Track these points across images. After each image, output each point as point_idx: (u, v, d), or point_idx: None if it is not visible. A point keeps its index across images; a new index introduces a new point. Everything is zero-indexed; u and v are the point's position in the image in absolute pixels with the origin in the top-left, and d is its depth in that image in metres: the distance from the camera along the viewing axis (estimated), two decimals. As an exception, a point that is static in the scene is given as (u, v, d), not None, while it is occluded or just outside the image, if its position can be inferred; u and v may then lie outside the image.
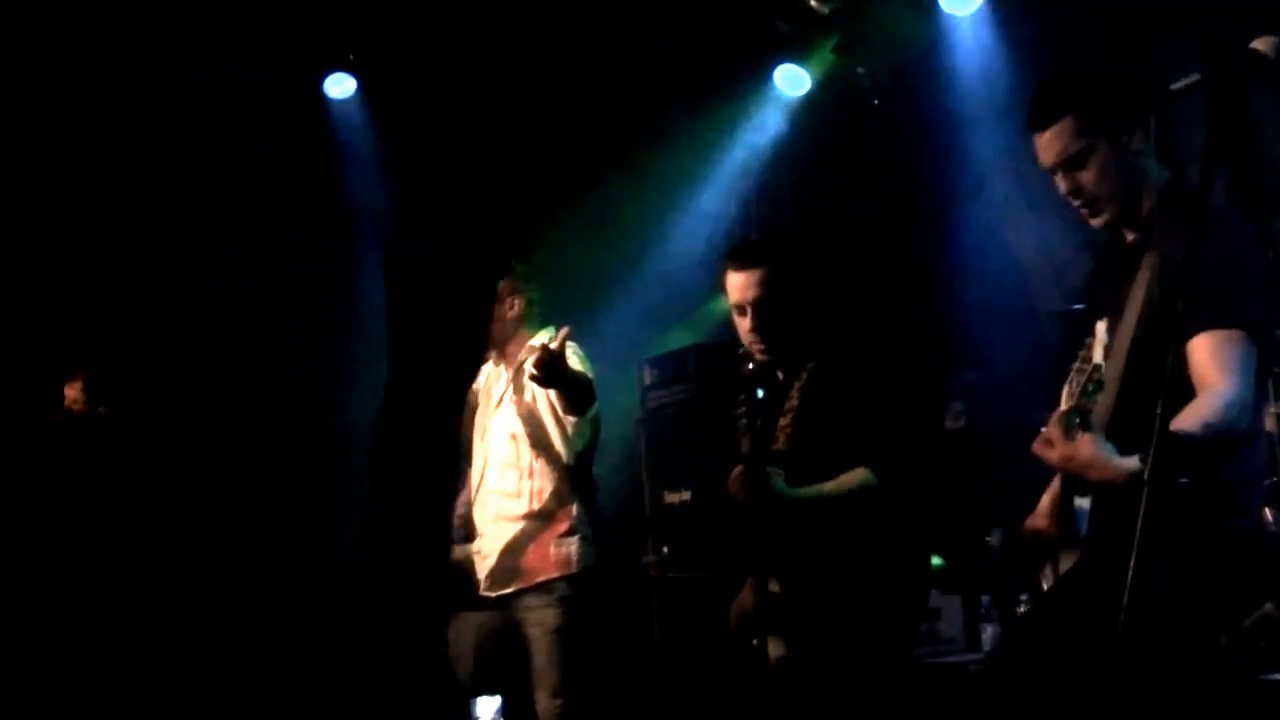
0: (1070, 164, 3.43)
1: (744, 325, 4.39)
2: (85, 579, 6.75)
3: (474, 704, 7.11)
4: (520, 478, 5.59)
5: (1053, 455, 3.15)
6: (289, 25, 7.93)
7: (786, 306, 4.33)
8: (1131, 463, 2.97)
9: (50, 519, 6.75)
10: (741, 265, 4.39)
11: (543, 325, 5.77)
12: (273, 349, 8.31)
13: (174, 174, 8.05)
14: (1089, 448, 3.07)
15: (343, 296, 8.69)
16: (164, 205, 8.05)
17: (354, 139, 8.70)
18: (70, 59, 7.56)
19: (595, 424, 5.66)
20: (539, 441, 5.58)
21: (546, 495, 5.54)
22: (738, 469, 4.15)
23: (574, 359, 5.44)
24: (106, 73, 7.68)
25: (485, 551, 5.60)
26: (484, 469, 5.70)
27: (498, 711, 7.16)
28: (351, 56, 8.41)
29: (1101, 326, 3.15)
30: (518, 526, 5.55)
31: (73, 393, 6.91)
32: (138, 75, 7.76)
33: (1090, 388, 3.07)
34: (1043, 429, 3.14)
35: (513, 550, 5.54)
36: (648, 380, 7.87)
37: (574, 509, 5.58)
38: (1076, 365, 3.13)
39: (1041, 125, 3.46)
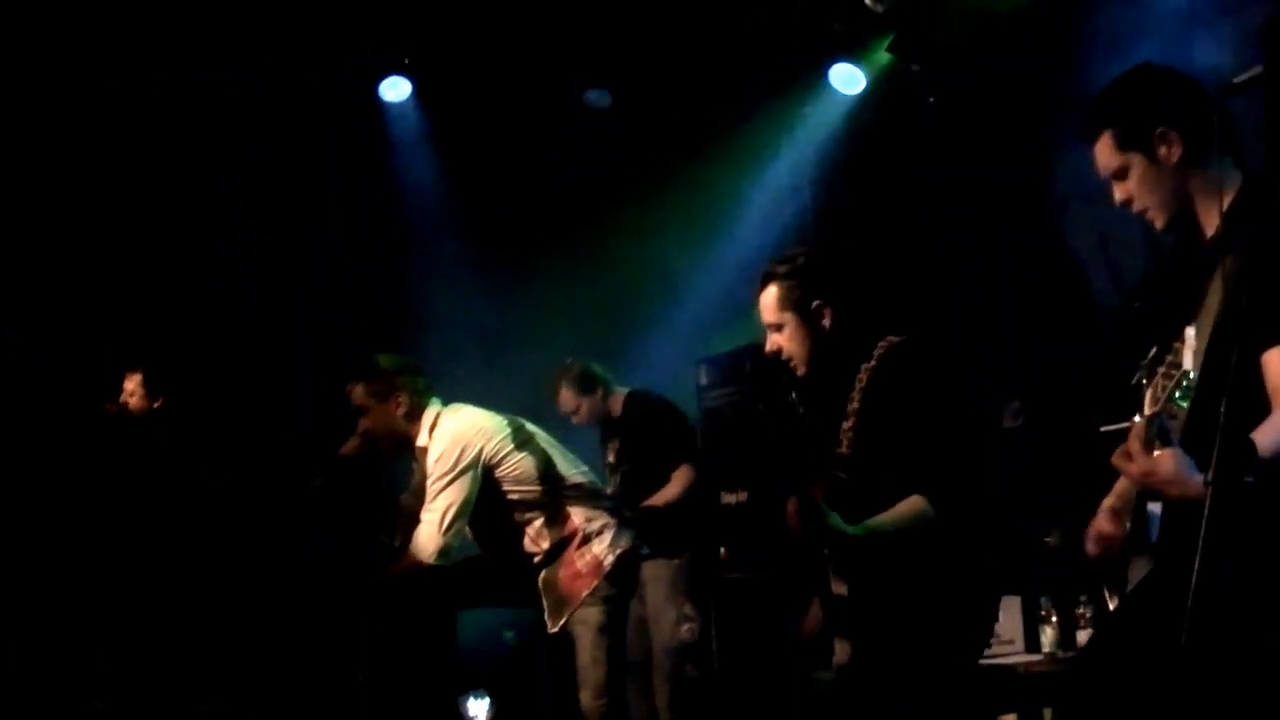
0: (1115, 177, 3.42)
1: (774, 342, 4.35)
2: (115, 573, 6.80)
3: (464, 703, 7.15)
4: (511, 536, 5.65)
5: (1132, 470, 3.06)
6: (344, 29, 7.97)
7: (809, 320, 4.27)
8: None
9: (82, 514, 6.80)
10: (762, 285, 4.36)
11: (429, 400, 5.74)
12: (321, 351, 8.35)
13: (231, 177, 8.11)
14: (1170, 463, 2.99)
15: (395, 297, 8.72)
16: (223, 208, 8.12)
17: (409, 142, 8.75)
18: (130, 66, 7.65)
19: (524, 442, 5.66)
20: (495, 504, 5.60)
21: (543, 530, 5.60)
22: (792, 503, 4.10)
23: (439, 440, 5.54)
24: (160, 77, 7.75)
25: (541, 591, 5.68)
26: (479, 543, 5.78)
27: (489, 711, 7.21)
28: (407, 60, 8.44)
29: (1191, 331, 3.06)
30: (543, 567, 5.61)
31: (131, 385, 6.97)
32: (194, 80, 7.82)
33: (1178, 394, 3.00)
34: (1107, 428, 3.09)
35: (551, 584, 5.61)
36: (704, 380, 7.82)
37: (573, 520, 5.62)
38: (1162, 370, 3.05)
39: (1087, 139, 3.46)
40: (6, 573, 6.69)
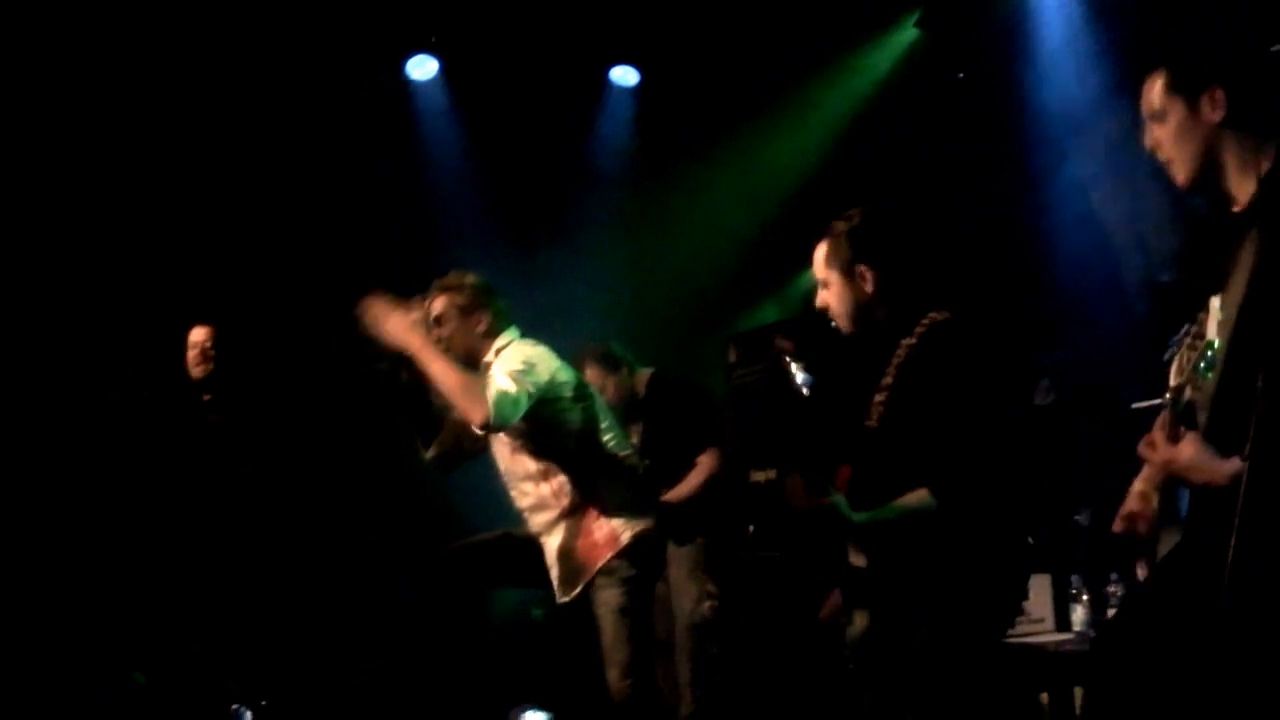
0: (1154, 118, 3.35)
1: (821, 298, 4.36)
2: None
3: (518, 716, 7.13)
4: (537, 485, 5.61)
5: (1155, 458, 3.09)
6: (371, 8, 7.97)
7: (852, 281, 4.28)
8: (1234, 465, 2.89)
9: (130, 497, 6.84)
10: (820, 238, 4.37)
11: (507, 326, 5.69)
12: (348, 332, 8.33)
13: (257, 157, 8.12)
14: (1191, 450, 3.00)
15: (423, 276, 8.71)
16: (251, 189, 8.13)
17: (436, 120, 8.74)
18: (162, 48, 7.67)
19: (581, 399, 5.62)
20: (535, 443, 5.57)
21: (567, 488, 5.54)
22: (796, 479, 4.08)
23: (507, 362, 5.45)
24: (188, 55, 7.76)
25: (550, 562, 5.64)
26: (510, 492, 5.73)
27: None
28: (433, 38, 8.43)
29: (1215, 302, 3.04)
30: (560, 529, 5.57)
31: (199, 337, 6.99)
32: (222, 59, 7.83)
33: (1202, 365, 2.99)
34: (1139, 405, 3.06)
35: (567, 552, 5.57)
36: (733, 357, 7.86)
37: (599, 487, 5.58)
38: (1188, 341, 3.04)
39: (1145, 74, 3.39)
40: (58, 541, 6.74)
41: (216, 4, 7.61)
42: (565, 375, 5.59)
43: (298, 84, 8.05)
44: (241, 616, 6.91)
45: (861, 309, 4.29)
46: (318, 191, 8.29)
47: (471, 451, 5.76)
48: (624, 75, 8.80)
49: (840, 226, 4.33)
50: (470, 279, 5.73)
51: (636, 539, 5.55)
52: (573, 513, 5.54)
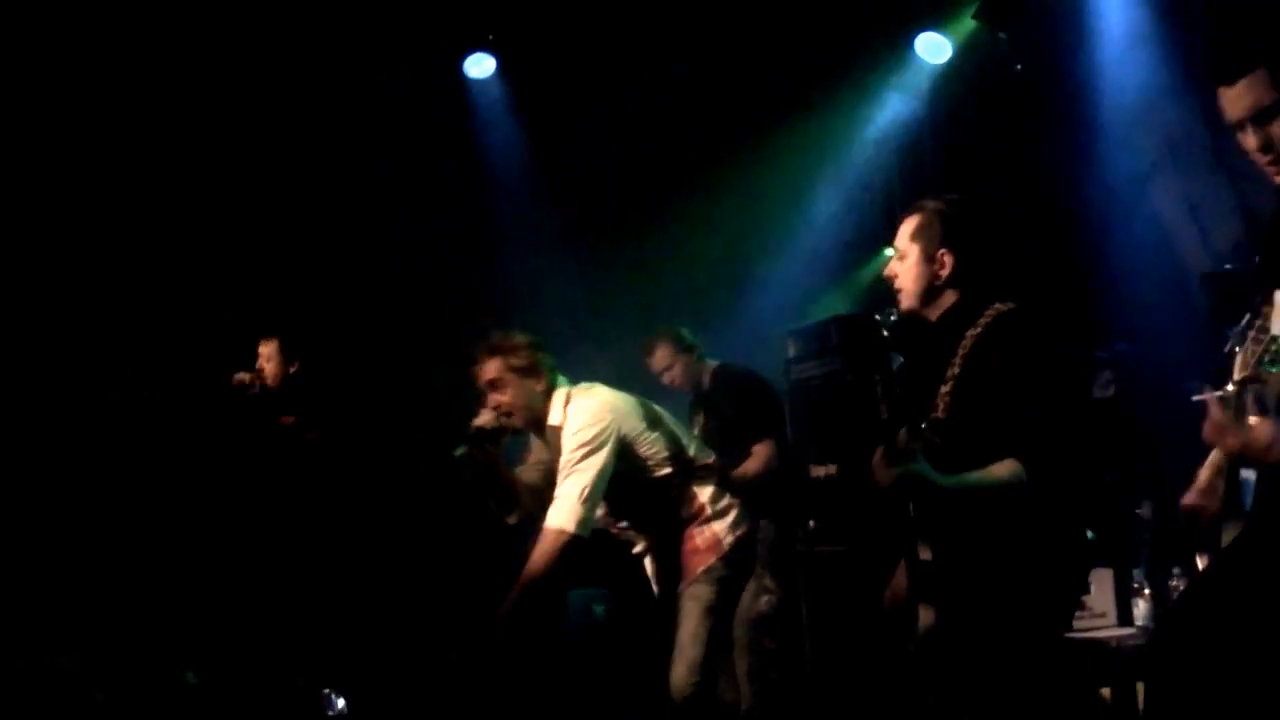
0: (1260, 118, 3.22)
1: (892, 268, 4.37)
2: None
3: None
4: (637, 518, 5.65)
5: (1230, 442, 3.01)
6: (428, 6, 8.00)
7: (929, 261, 4.29)
8: None
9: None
10: (910, 211, 4.39)
11: (558, 378, 5.63)
12: (410, 329, 8.39)
13: (319, 155, 8.17)
14: (1267, 429, 2.96)
15: (482, 273, 8.76)
16: (309, 186, 8.18)
17: (494, 117, 8.78)
18: (224, 44, 7.74)
19: (654, 423, 5.61)
20: (627, 485, 5.59)
21: (669, 508, 5.56)
22: (880, 451, 4.07)
23: (576, 416, 5.46)
24: (250, 55, 7.83)
25: (651, 573, 5.73)
26: (607, 526, 5.76)
27: None
28: (491, 36, 8.46)
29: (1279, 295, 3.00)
30: (663, 541, 5.60)
31: (267, 350, 7.05)
32: (281, 59, 7.89)
33: (1267, 359, 2.95)
34: (1200, 396, 3.03)
35: (669, 556, 5.59)
36: (792, 352, 7.82)
37: (698, 498, 5.58)
38: (1252, 334, 2.98)
39: (1230, 78, 3.25)
40: (137, 547, 6.80)
41: (280, 3, 7.66)
42: (633, 408, 5.59)
43: (355, 82, 8.10)
44: (326, 608, 6.96)
45: (930, 290, 4.31)
46: (375, 190, 8.34)
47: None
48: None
49: (936, 206, 4.34)
50: (521, 338, 5.62)
51: (738, 542, 5.56)
52: (676, 527, 5.57)
